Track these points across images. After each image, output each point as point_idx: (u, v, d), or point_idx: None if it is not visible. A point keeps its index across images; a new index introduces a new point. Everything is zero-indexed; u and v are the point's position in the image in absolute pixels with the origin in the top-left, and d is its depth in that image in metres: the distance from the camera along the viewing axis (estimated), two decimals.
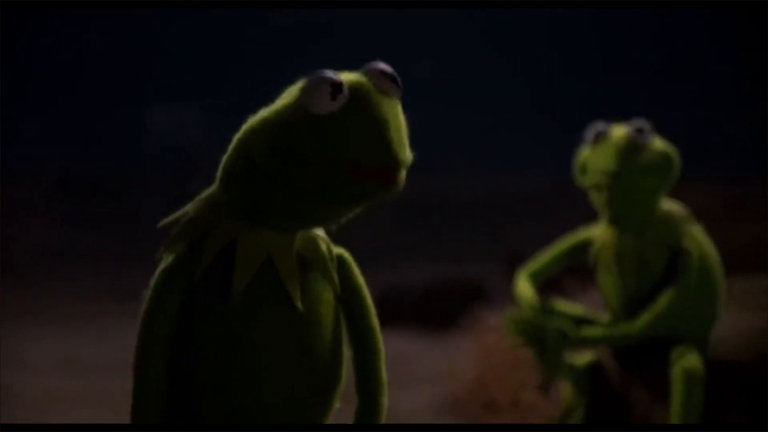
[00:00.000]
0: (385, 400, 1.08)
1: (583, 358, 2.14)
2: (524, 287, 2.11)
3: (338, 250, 1.09)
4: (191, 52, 7.67)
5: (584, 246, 2.13)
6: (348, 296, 1.08)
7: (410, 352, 3.20)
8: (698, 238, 2.04)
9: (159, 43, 7.67)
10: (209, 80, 7.54)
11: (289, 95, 1.00)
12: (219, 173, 1.05)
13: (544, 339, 2.07)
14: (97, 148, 7.17)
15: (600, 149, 2.00)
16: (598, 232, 2.11)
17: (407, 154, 0.97)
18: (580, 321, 2.10)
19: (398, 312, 3.65)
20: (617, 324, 2.05)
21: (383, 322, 1.10)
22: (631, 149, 1.98)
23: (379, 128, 0.95)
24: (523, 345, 2.09)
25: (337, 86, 0.95)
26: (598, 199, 2.05)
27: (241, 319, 1.01)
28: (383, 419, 1.07)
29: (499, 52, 7.72)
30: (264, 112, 1.01)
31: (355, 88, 0.96)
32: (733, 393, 1.98)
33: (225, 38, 7.82)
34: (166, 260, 1.04)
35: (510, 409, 2.22)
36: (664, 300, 1.98)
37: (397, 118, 0.97)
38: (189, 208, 1.07)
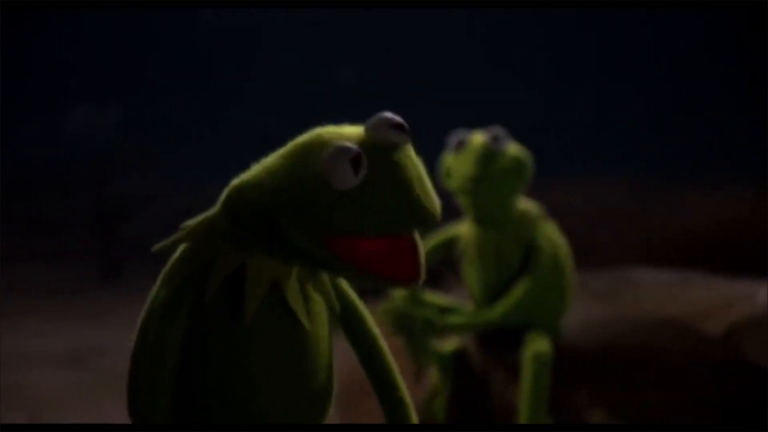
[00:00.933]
0: (407, 395, 1.13)
1: (449, 345, 2.34)
2: None
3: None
4: (108, 52, 7.69)
5: (452, 242, 2.34)
6: (346, 311, 1.13)
7: None
8: (550, 235, 2.24)
9: (76, 44, 7.69)
10: (127, 82, 7.58)
11: (304, 159, 0.99)
12: (220, 207, 1.05)
13: (413, 327, 2.26)
14: (14, 149, 7.18)
15: (462, 156, 2.19)
16: (464, 230, 2.31)
17: (436, 203, 0.98)
18: (446, 310, 2.30)
19: None
20: (478, 312, 2.25)
21: None
22: (489, 155, 2.17)
23: (407, 193, 0.95)
24: (394, 333, 2.28)
25: (357, 159, 0.95)
26: (462, 201, 2.25)
27: (253, 338, 1.05)
28: (413, 409, 1.12)
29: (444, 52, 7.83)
30: (281, 175, 0.99)
31: (372, 154, 0.96)
32: (579, 376, 2.18)
33: (145, 39, 7.85)
34: (172, 283, 1.06)
35: None
36: (518, 290, 2.19)
37: (417, 169, 0.98)
38: (184, 234, 1.08)
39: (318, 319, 1.09)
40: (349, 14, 7.68)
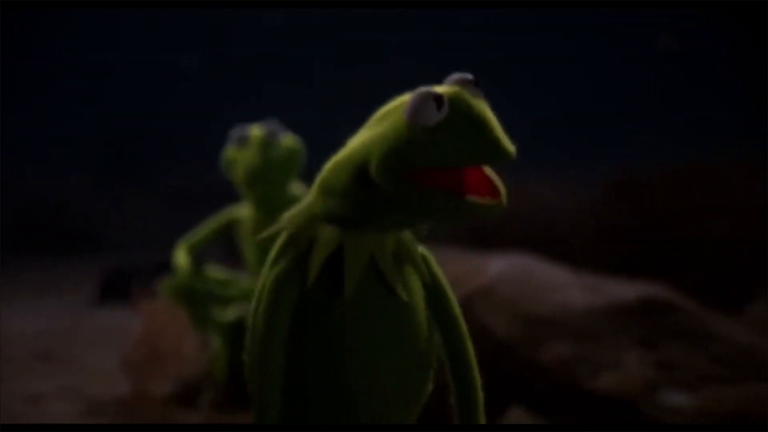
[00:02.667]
0: (478, 380, 1.15)
1: (229, 314, 2.60)
2: (180, 256, 2.53)
3: (421, 249, 1.16)
4: None
5: (233, 223, 2.60)
6: (433, 289, 1.15)
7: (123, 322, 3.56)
8: None
9: None
10: None
11: (392, 115, 1.06)
12: (316, 188, 1.11)
13: (195, 299, 2.50)
14: None
15: (244, 149, 2.45)
16: (243, 212, 2.57)
17: (510, 144, 1.03)
18: (226, 283, 2.56)
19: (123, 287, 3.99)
20: (255, 283, 2.53)
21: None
22: (267, 146, 2.44)
23: (485, 128, 1.01)
24: (178, 305, 2.52)
25: (440, 98, 1.01)
26: (244, 189, 2.50)
27: (354, 312, 1.09)
28: (481, 397, 1.15)
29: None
30: (372, 134, 1.06)
31: (453, 99, 1.02)
32: None
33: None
34: (277, 268, 1.10)
35: (172, 360, 2.64)
36: None
37: (492, 116, 1.04)
38: (288, 221, 1.13)
39: (413, 290, 1.12)
40: (193, 7, 7.72)
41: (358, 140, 1.08)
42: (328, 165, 1.10)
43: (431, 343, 1.14)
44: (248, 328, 1.12)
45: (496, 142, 1.01)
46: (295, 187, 2.54)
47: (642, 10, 7.23)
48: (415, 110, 1.01)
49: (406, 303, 1.10)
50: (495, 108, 1.06)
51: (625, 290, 2.47)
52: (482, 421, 1.15)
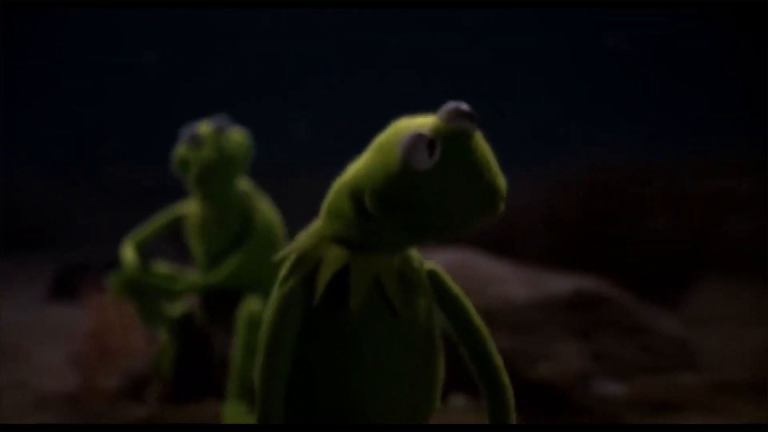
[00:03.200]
0: (507, 381, 1.18)
1: (177, 309, 2.64)
2: (127, 252, 2.56)
3: (429, 264, 1.20)
4: None
5: (179, 219, 2.63)
6: (448, 303, 1.18)
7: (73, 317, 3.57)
8: (265, 209, 2.58)
9: None
10: None
11: (387, 147, 1.09)
12: (323, 213, 1.17)
13: (143, 294, 2.54)
14: None
15: (195, 147, 2.48)
16: (191, 208, 2.61)
17: (504, 185, 1.06)
18: (173, 278, 2.59)
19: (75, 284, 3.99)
20: (202, 277, 2.56)
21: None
22: (217, 143, 2.47)
23: (477, 174, 1.04)
24: (126, 299, 2.55)
25: (432, 144, 1.04)
26: (193, 185, 2.53)
27: (359, 330, 1.12)
28: (511, 398, 1.18)
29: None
30: (368, 164, 1.11)
31: (446, 142, 1.04)
32: None
33: None
34: (284, 287, 1.15)
35: (120, 354, 2.67)
36: (236, 258, 2.51)
37: (487, 154, 1.06)
38: (298, 243, 1.18)
39: (419, 309, 1.15)
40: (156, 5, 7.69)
41: (357, 167, 1.12)
42: (333, 188, 1.15)
43: (437, 360, 1.17)
44: (258, 345, 1.15)
45: (487, 191, 1.04)
46: (243, 183, 2.58)
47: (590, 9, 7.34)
48: (408, 153, 1.04)
49: (409, 322, 1.13)
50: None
51: (563, 284, 2.54)
52: (513, 420, 1.17)
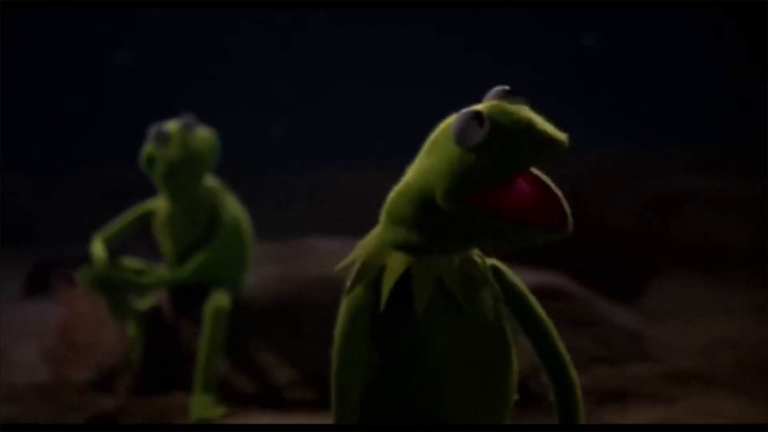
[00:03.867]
0: (576, 376, 1.21)
1: (145, 303, 2.70)
2: (97, 247, 2.61)
3: (491, 261, 1.23)
4: None
5: (148, 215, 2.69)
6: (512, 298, 1.21)
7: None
8: (232, 206, 2.64)
9: None
10: None
11: (441, 141, 1.11)
12: (383, 220, 1.18)
13: (111, 288, 2.59)
14: None
15: (162, 145, 2.53)
16: (159, 204, 2.66)
17: (562, 134, 1.06)
18: (141, 272, 2.65)
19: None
20: (170, 271, 2.62)
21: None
22: (184, 141, 2.53)
23: (531, 125, 1.04)
24: (95, 293, 2.60)
25: (479, 115, 1.05)
26: (161, 183, 2.58)
27: (425, 331, 1.15)
28: (580, 395, 1.21)
29: None
30: (427, 164, 1.12)
31: (492, 111, 1.06)
32: (254, 326, 2.60)
33: None
34: (350, 295, 1.18)
35: (90, 347, 2.72)
36: (203, 253, 2.57)
37: (535, 115, 1.06)
38: (359, 251, 1.21)
39: (484, 306, 1.17)
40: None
41: (417, 170, 1.14)
42: (392, 195, 1.16)
43: (509, 354, 1.19)
44: (332, 353, 1.19)
45: (542, 135, 1.03)
46: (210, 180, 2.64)
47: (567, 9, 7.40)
48: (460, 133, 1.05)
49: (476, 319, 1.15)
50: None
51: (523, 277, 2.61)
52: (582, 417, 1.20)
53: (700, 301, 3.06)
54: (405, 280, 1.16)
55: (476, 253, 1.20)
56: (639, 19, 7.65)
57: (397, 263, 1.16)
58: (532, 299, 1.22)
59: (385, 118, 7.14)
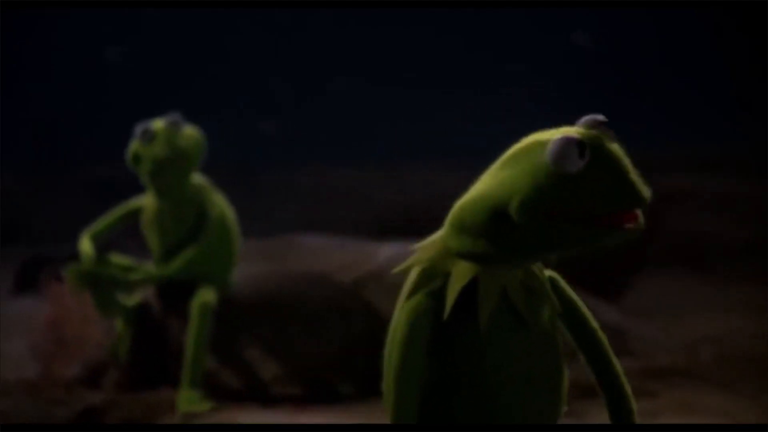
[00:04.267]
0: (628, 387, 1.23)
1: (133, 299, 2.71)
2: (84, 244, 2.63)
3: (548, 272, 1.23)
4: None
5: (135, 212, 2.70)
6: (567, 310, 1.23)
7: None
8: (219, 203, 2.66)
9: None
10: None
11: (528, 157, 1.11)
12: (449, 225, 1.18)
13: (99, 284, 2.60)
14: None
15: (148, 143, 2.54)
16: (146, 202, 2.67)
17: (647, 191, 1.09)
18: (129, 269, 2.67)
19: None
20: (157, 268, 2.63)
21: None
22: (170, 139, 2.54)
23: (625, 176, 1.07)
24: (83, 290, 2.61)
25: (583, 145, 1.07)
26: (147, 180, 2.59)
27: (486, 341, 1.16)
28: (633, 405, 1.23)
29: None
30: (506, 177, 1.12)
31: (594, 145, 1.08)
32: (241, 321, 2.62)
33: None
34: (412, 301, 1.17)
35: (78, 343, 2.74)
36: (190, 250, 2.59)
37: (628, 161, 1.09)
38: (420, 256, 1.20)
39: (543, 318, 1.19)
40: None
41: (493, 181, 1.13)
42: (461, 204, 1.16)
43: (561, 365, 1.21)
44: (385, 357, 1.20)
45: (634, 191, 1.06)
46: (197, 178, 2.65)
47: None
48: (559, 156, 1.06)
49: (536, 329, 1.17)
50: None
51: None
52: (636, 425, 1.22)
53: (688, 298, 3.06)
54: (468, 290, 1.16)
55: (537, 266, 1.21)
56: (639, 19, 7.66)
57: (463, 272, 1.16)
58: (587, 312, 1.24)
59: (382, 118, 7.14)
